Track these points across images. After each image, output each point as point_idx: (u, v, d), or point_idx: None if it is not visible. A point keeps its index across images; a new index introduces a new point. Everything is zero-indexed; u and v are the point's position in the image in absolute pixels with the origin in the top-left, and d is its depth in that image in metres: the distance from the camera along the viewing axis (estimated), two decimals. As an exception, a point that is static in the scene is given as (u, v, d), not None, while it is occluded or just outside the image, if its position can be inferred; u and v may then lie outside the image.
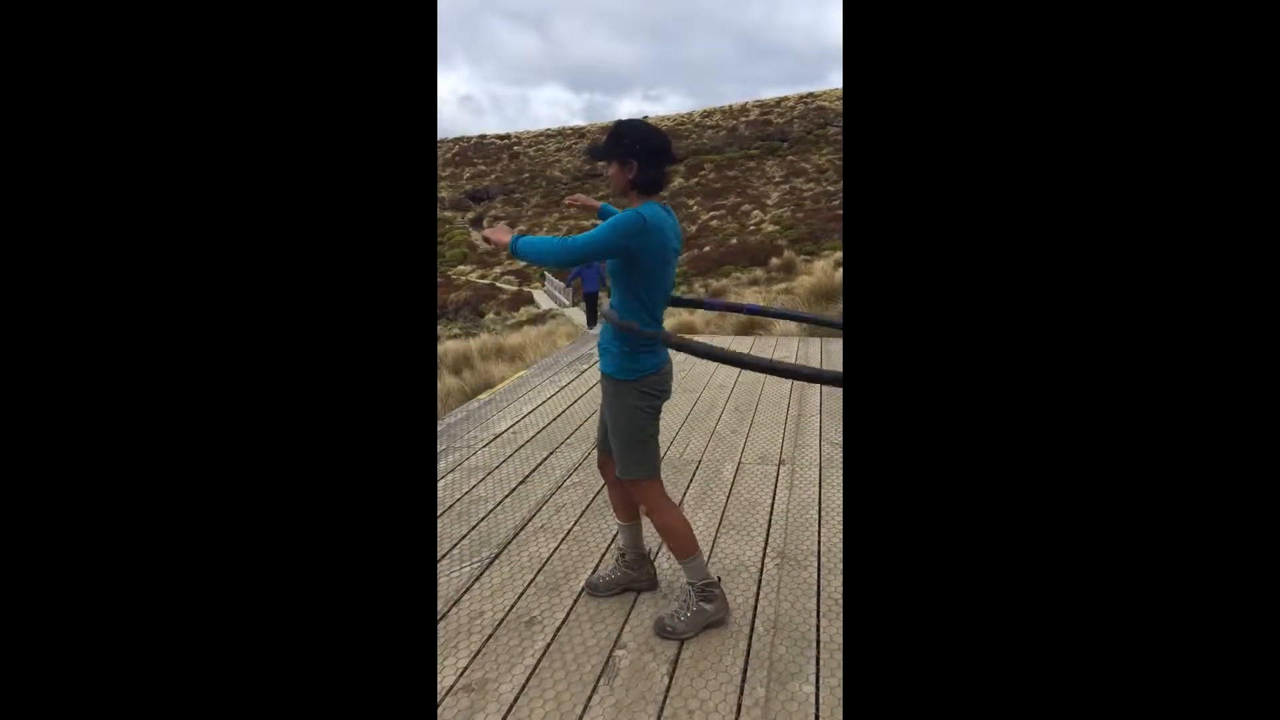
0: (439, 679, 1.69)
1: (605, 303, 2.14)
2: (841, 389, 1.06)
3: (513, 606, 2.00)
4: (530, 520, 2.56)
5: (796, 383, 4.40)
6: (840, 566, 2.13)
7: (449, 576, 2.17)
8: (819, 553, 2.24)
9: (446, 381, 6.99)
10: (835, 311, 7.28)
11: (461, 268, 34.82)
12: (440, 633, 1.88)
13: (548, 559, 2.27)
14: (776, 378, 4.45)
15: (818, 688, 1.63)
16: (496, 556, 2.29)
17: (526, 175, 61.74)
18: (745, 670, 1.70)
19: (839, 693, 1.61)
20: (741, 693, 1.63)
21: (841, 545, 2.26)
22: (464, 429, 3.70)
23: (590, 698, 1.62)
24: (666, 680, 1.67)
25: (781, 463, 3.05)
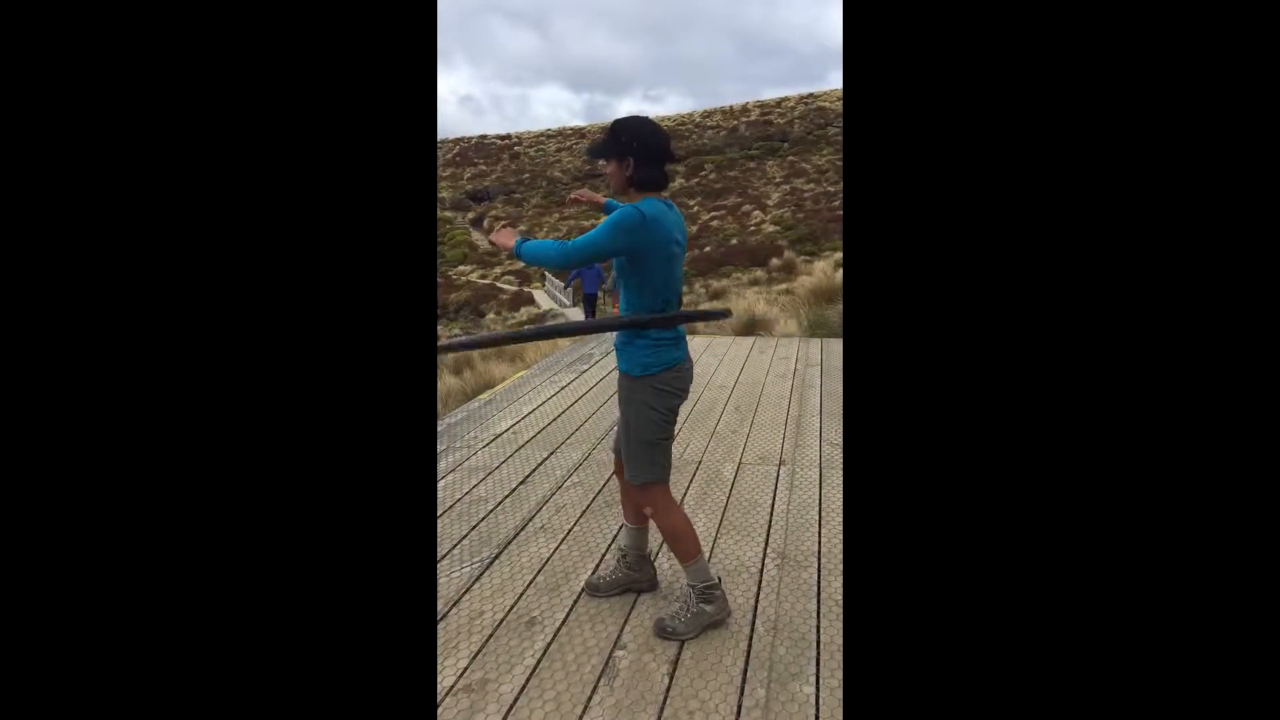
0: (439, 679, 1.69)
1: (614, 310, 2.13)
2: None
3: (513, 607, 2.00)
4: (530, 520, 2.56)
5: (796, 383, 4.40)
6: (840, 567, 2.13)
7: (449, 577, 2.17)
8: (819, 554, 2.24)
9: (447, 381, 6.99)
10: (835, 312, 7.26)
11: (462, 268, 34.83)
12: (440, 633, 1.88)
13: (548, 559, 2.27)
14: (768, 377, 4.45)
15: (818, 688, 1.63)
16: (497, 557, 2.29)
17: (527, 175, 61.75)
18: (745, 671, 1.70)
19: (839, 694, 1.61)
20: (742, 693, 1.62)
21: (842, 546, 2.26)
22: (464, 429, 3.70)
23: (590, 698, 1.62)
24: (667, 681, 1.67)
25: (782, 463, 3.05)
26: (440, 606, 2.00)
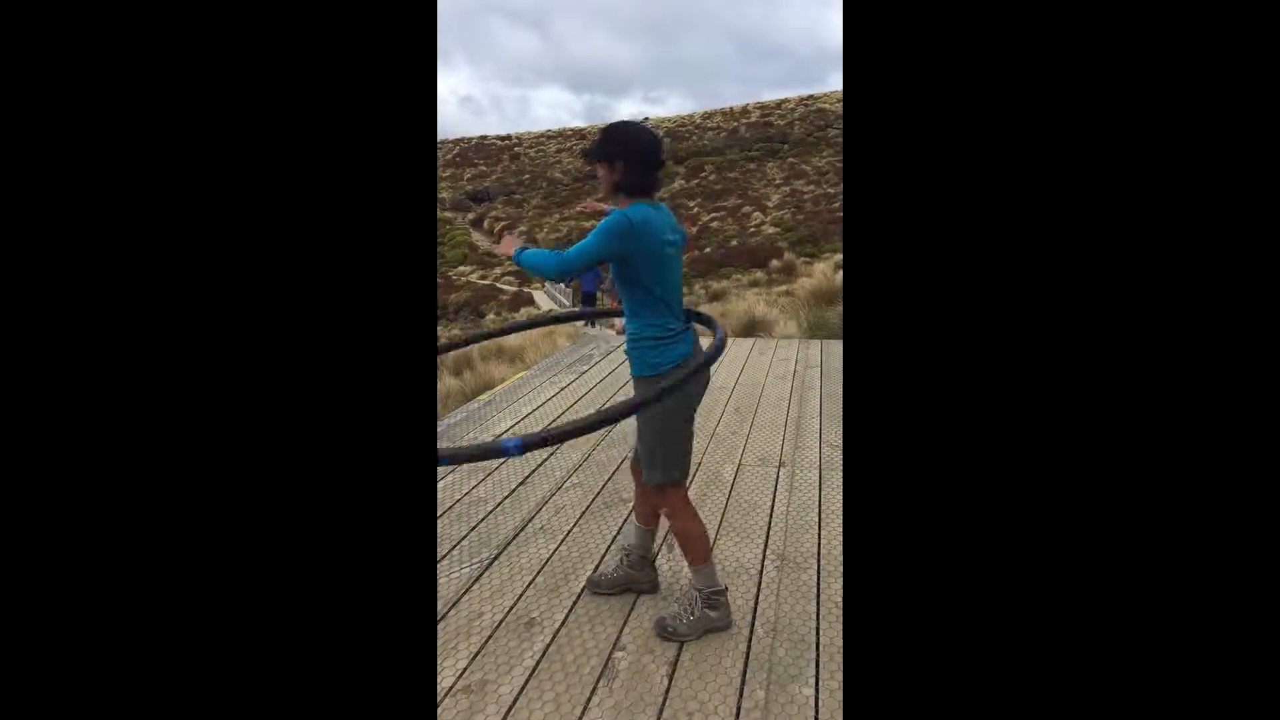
0: (439, 680, 1.69)
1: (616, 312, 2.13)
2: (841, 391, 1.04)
3: (512, 608, 2.00)
4: (530, 521, 2.56)
5: (796, 385, 4.40)
6: (840, 569, 2.13)
7: (449, 577, 2.17)
8: (819, 555, 2.24)
9: (447, 382, 6.99)
10: (835, 314, 7.26)
11: (462, 268, 34.87)
12: (440, 634, 1.88)
13: (547, 560, 2.27)
14: (768, 379, 4.45)
15: (817, 690, 1.63)
16: (496, 558, 2.29)
17: (527, 176, 61.81)
18: (745, 672, 1.70)
19: (839, 695, 1.61)
20: (741, 695, 1.62)
21: (841, 548, 2.25)
22: (464, 430, 3.70)
23: (590, 699, 1.62)
24: (666, 682, 1.67)
25: (781, 465, 3.05)
26: (440, 607, 2.00)
